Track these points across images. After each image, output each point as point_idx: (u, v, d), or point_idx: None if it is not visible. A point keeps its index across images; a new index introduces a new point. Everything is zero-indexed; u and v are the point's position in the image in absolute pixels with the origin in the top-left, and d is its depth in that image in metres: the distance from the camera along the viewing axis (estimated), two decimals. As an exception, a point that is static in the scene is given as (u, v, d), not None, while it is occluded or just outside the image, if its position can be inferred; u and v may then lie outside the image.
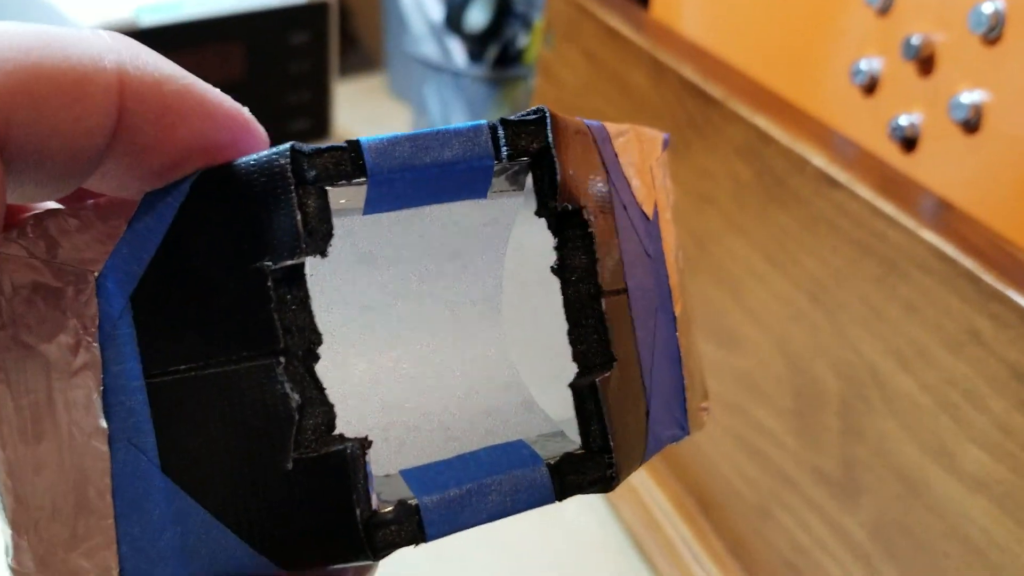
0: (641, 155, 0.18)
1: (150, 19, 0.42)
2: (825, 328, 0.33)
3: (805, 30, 0.39)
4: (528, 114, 0.15)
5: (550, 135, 0.15)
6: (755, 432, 0.37)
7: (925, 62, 0.33)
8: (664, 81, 0.41)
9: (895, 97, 0.35)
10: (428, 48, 0.67)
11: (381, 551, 0.13)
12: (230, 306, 0.13)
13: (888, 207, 0.30)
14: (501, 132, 0.15)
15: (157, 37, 0.43)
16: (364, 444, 0.13)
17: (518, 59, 0.64)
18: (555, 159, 0.15)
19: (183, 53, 0.44)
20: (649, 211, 0.17)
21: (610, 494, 0.44)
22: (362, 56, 1.56)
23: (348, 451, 0.13)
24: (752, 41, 0.42)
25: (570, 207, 0.15)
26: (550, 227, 0.15)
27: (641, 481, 0.44)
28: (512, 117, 0.15)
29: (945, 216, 0.30)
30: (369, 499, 0.13)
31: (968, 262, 0.27)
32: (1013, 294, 0.26)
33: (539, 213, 0.15)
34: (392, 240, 0.17)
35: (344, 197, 0.14)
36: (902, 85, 0.34)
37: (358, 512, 0.13)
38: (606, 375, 0.15)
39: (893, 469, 0.31)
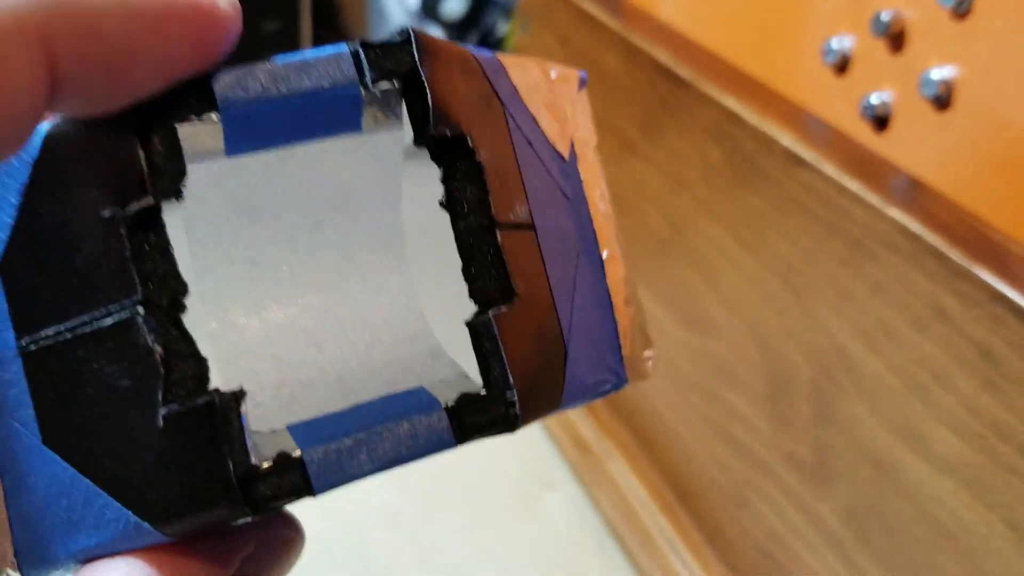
0: (551, 92, 0.17)
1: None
2: (795, 310, 0.32)
3: (776, 9, 0.38)
4: (394, 36, 0.14)
5: (416, 55, 0.14)
6: (730, 418, 0.37)
7: (895, 38, 0.33)
8: (636, 64, 0.40)
9: (866, 75, 0.34)
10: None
11: (261, 506, 0.13)
12: (90, 262, 0.12)
13: (854, 185, 0.29)
14: (363, 56, 0.14)
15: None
16: (237, 396, 0.13)
17: (499, 46, 0.64)
18: (425, 81, 0.14)
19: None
20: (564, 150, 0.17)
21: (590, 486, 0.44)
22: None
23: (218, 402, 0.12)
24: (725, 22, 0.41)
25: (450, 133, 0.14)
26: (432, 157, 0.14)
27: (621, 472, 0.43)
28: (376, 40, 0.14)
29: (913, 194, 0.29)
30: (245, 452, 0.13)
31: (934, 239, 0.27)
32: (979, 271, 0.26)
33: (417, 142, 0.14)
34: (272, 188, 0.17)
35: (206, 136, 0.14)
36: (873, 63, 0.34)
37: (231, 465, 0.12)
38: (503, 310, 0.14)
39: (864, 453, 0.30)
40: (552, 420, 0.47)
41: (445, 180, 0.14)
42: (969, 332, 0.26)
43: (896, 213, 0.28)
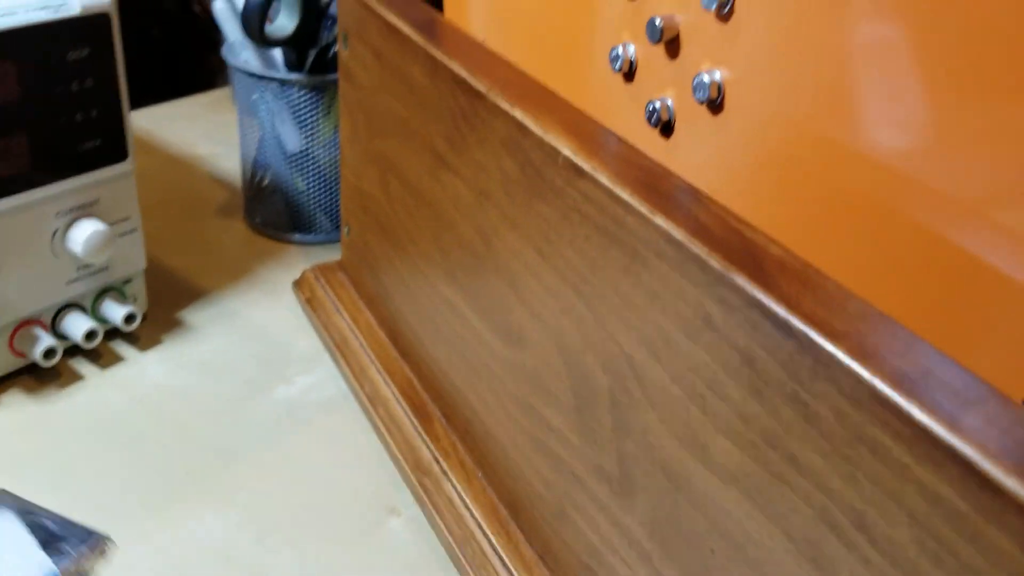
0: None
1: None
2: (589, 320, 0.32)
3: (568, 18, 0.37)
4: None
5: None
6: (546, 431, 0.36)
7: (671, 43, 0.32)
8: (440, 77, 0.40)
9: (650, 81, 0.34)
10: (248, 56, 0.64)
11: None
12: None
13: (623, 193, 0.29)
14: None
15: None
16: None
17: (335, 62, 0.62)
18: None
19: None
20: None
21: (431, 509, 0.43)
22: (220, 67, 1.52)
23: None
24: (525, 33, 0.40)
25: None
26: None
27: (457, 493, 0.43)
28: None
29: (681, 200, 0.29)
30: None
31: (696, 246, 0.26)
32: (736, 277, 0.25)
33: None
34: None
35: None
36: (654, 69, 0.33)
37: None
38: None
39: (658, 464, 0.30)
40: (394, 442, 0.46)
41: None
42: (733, 338, 0.26)
43: (661, 221, 0.27)
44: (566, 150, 0.32)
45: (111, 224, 0.50)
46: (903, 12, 0.25)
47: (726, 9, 0.30)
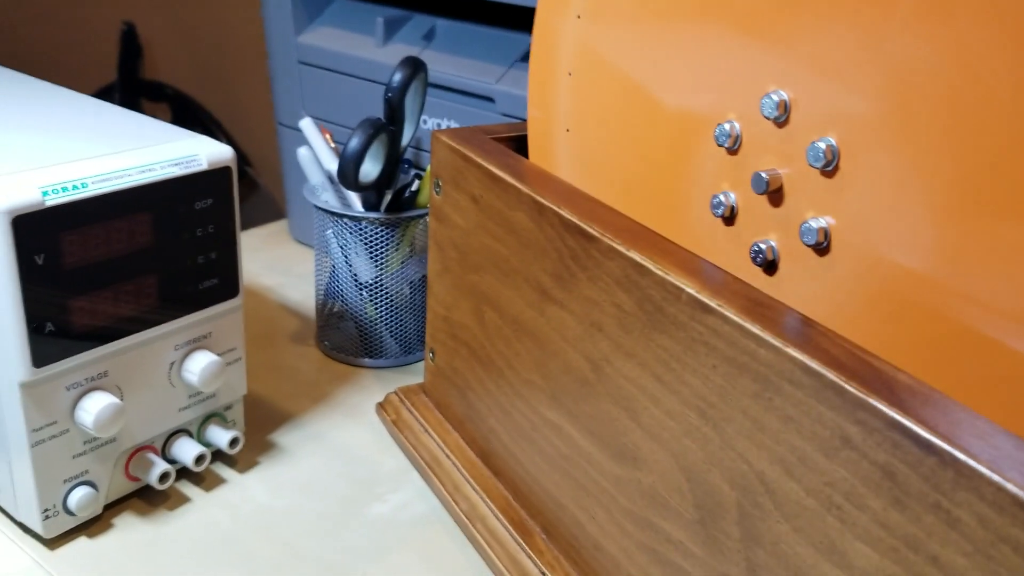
0: None
1: (56, 199, 0.44)
2: (715, 441, 0.35)
3: (665, 171, 0.42)
4: None
5: None
6: (666, 544, 0.39)
7: (775, 194, 0.37)
8: (545, 220, 0.44)
9: (751, 226, 0.38)
10: (327, 196, 0.69)
11: None
12: None
13: (755, 328, 0.33)
14: None
15: (64, 215, 0.44)
16: None
17: (412, 202, 0.67)
18: None
19: (92, 228, 0.45)
20: None
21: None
22: (265, 203, 1.59)
23: None
24: (619, 186, 0.45)
25: None
26: None
27: (565, 602, 0.45)
28: None
29: (807, 332, 0.33)
30: None
31: (831, 375, 0.30)
32: (874, 401, 0.29)
33: None
34: None
35: None
36: (756, 215, 0.38)
37: None
38: None
39: (792, 570, 0.33)
40: (496, 557, 0.49)
41: None
42: (873, 456, 0.29)
43: (795, 352, 0.31)
44: (690, 288, 0.36)
45: (220, 354, 0.54)
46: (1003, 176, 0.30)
47: (831, 167, 0.34)
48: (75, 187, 0.44)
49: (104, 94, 1.74)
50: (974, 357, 0.31)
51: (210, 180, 0.50)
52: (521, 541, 0.49)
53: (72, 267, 0.45)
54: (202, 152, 0.50)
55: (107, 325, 0.47)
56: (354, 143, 0.58)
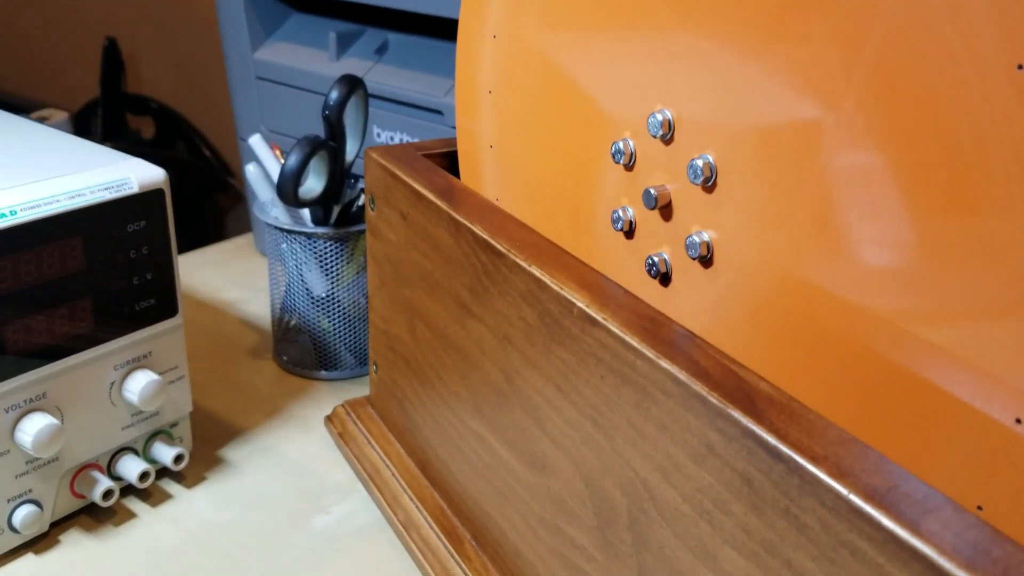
0: None
1: (-15, 225, 0.45)
2: (607, 449, 0.37)
3: (572, 185, 0.43)
4: None
5: None
6: (573, 550, 0.40)
7: (665, 208, 0.38)
8: (462, 236, 0.45)
9: (647, 240, 0.39)
10: (278, 212, 0.70)
11: None
12: None
13: (633, 340, 0.34)
14: None
15: (-6, 240, 0.46)
16: None
17: (361, 216, 0.69)
18: None
19: (22, 254, 0.47)
20: None
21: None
22: (248, 213, 1.60)
23: None
24: (533, 196, 0.46)
25: None
26: None
27: (490, 608, 0.46)
28: None
29: (681, 344, 0.34)
30: None
31: (696, 385, 0.31)
32: (731, 410, 0.30)
33: None
34: None
35: None
36: (651, 229, 0.39)
37: None
38: None
39: (675, 574, 0.34)
40: (428, 564, 0.50)
41: None
42: (732, 463, 0.30)
43: (667, 364, 0.33)
44: (580, 303, 0.37)
45: (162, 373, 0.55)
46: (869, 166, 0.31)
47: (710, 183, 0.35)
48: (3, 215, 0.46)
49: (88, 109, 1.76)
50: (843, 366, 0.32)
51: (142, 202, 0.51)
52: (452, 549, 0.50)
53: (4, 292, 0.46)
54: (133, 175, 0.51)
55: (43, 347, 0.49)
56: (291, 161, 0.59)
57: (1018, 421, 0.27)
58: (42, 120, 1.68)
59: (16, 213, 0.46)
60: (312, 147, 0.59)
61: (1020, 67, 0.25)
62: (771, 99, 0.33)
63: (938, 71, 0.27)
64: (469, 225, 0.45)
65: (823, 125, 0.31)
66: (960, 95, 0.27)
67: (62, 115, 1.77)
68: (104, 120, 1.64)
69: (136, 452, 0.56)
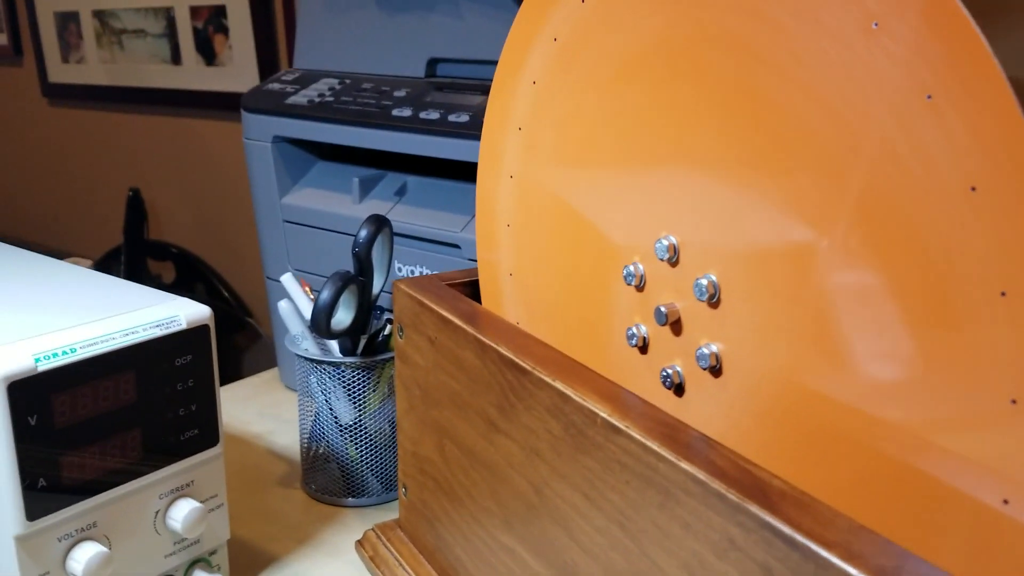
0: None
1: (48, 364, 0.49)
2: (635, 552, 0.39)
3: (590, 308, 0.47)
4: None
5: None
6: (606, 654, 0.42)
7: (675, 324, 0.42)
8: (488, 357, 0.49)
9: (661, 353, 0.43)
10: (308, 344, 0.74)
11: None
12: None
13: (654, 445, 0.37)
14: None
15: (55, 379, 0.49)
16: None
17: (386, 345, 0.72)
18: None
19: (80, 388, 0.50)
20: None
21: None
22: (267, 351, 1.64)
23: None
24: (555, 322, 0.50)
25: None
26: None
27: None
28: None
29: (698, 446, 0.37)
30: None
31: (715, 483, 0.34)
32: (750, 506, 0.33)
33: None
34: None
35: None
36: (663, 344, 0.43)
37: None
38: None
39: (705, 667, 0.36)
40: None
41: None
42: (753, 554, 0.33)
43: (687, 465, 0.36)
44: (603, 413, 0.40)
45: (203, 501, 0.58)
46: (865, 278, 0.34)
47: (715, 299, 0.39)
48: (64, 352, 0.50)
49: (110, 257, 1.82)
50: (847, 462, 0.35)
51: (189, 338, 0.55)
52: (486, 663, 0.51)
53: (62, 426, 0.50)
54: (182, 313, 0.55)
55: (95, 478, 0.52)
56: (324, 296, 0.63)
57: (1005, 502, 0.30)
58: (68, 268, 1.74)
59: (76, 351, 0.50)
60: (343, 282, 0.63)
61: (973, 189, 0.29)
62: (765, 224, 0.37)
63: (910, 195, 0.31)
64: (495, 346, 0.48)
65: (812, 246, 0.35)
66: (929, 216, 0.31)
67: (87, 262, 1.84)
68: (127, 266, 1.71)
69: (177, 579, 0.58)
